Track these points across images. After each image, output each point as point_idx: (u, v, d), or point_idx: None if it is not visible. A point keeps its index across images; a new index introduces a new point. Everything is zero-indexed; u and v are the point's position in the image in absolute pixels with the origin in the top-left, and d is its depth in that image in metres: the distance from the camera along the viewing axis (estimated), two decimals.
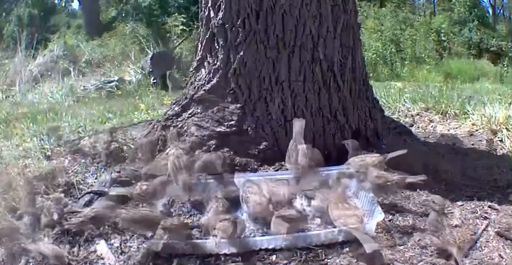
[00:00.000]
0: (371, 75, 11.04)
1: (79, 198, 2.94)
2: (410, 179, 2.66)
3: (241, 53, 3.18)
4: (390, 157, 2.79)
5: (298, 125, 2.92)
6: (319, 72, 3.23)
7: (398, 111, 4.66)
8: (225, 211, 2.47)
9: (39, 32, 14.44)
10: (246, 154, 3.13)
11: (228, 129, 3.21)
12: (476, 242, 2.42)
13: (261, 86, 3.20)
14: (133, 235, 2.52)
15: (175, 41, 11.13)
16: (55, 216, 2.49)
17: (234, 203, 2.64)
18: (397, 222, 2.61)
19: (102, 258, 2.37)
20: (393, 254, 2.34)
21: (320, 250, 2.33)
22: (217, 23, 3.23)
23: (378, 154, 2.81)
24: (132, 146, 3.62)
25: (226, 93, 3.26)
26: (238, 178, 2.78)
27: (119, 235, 2.53)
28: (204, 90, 3.34)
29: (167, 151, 3.31)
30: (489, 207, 2.75)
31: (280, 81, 3.19)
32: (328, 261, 2.28)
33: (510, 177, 3.07)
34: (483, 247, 2.38)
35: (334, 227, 2.42)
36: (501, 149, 3.63)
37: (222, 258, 2.31)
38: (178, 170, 2.73)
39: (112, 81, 8.67)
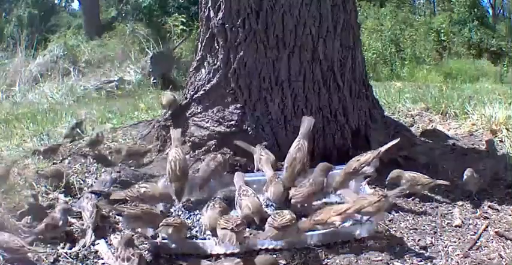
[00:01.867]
0: (371, 75, 11.03)
1: (79, 198, 2.94)
2: (384, 147, 2.74)
3: (241, 53, 3.17)
4: (384, 150, 2.75)
5: (306, 123, 2.86)
6: (319, 72, 3.23)
7: (398, 111, 4.66)
8: (223, 211, 2.47)
9: (39, 32, 14.44)
10: (246, 154, 3.12)
11: (228, 129, 3.21)
12: (476, 242, 2.42)
13: (261, 86, 3.20)
14: (133, 235, 2.52)
15: (175, 41, 11.12)
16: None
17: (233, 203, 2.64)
18: (397, 222, 2.62)
19: (102, 258, 2.37)
20: (393, 254, 2.34)
21: (320, 250, 2.34)
22: (217, 23, 3.23)
23: (371, 151, 2.79)
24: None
25: (226, 93, 3.26)
26: (237, 180, 2.78)
27: (118, 235, 2.53)
28: (204, 90, 3.34)
29: (167, 151, 3.31)
30: (489, 207, 2.75)
31: (280, 81, 3.19)
32: (328, 261, 2.28)
33: (510, 177, 3.07)
34: (483, 247, 2.38)
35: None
36: (501, 149, 3.63)
37: (222, 258, 2.31)
38: (175, 173, 2.72)
39: (112, 81, 8.66)
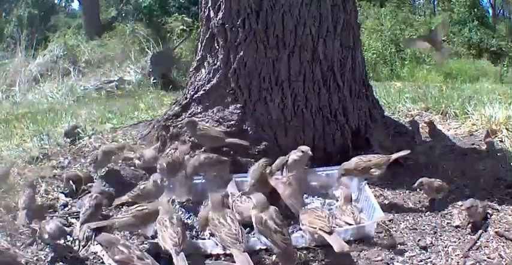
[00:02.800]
0: (371, 75, 11.03)
1: (79, 198, 2.94)
2: (395, 155, 2.76)
3: (241, 53, 3.18)
4: (394, 158, 2.78)
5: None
6: (319, 72, 3.23)
7: (398, 111, 4.66)
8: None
9: (39, 32, 14.44)
10: (246, 154, 3.13)
11: (228, 129, 3.21)
12: (476, 242, 2.42)
13: (261, 86, 3.20)
14: (133, 235, 2.52)
15: (175, 41, 11.12)
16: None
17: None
18: (397, 222, 2.61)
19: (102, 258, 2.37)
20: (393, 254, 2.34)
21: (320, 250, 2.34)
22: (217, 23, 3.23)
23: (383, 155, 2.79)
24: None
25: (226, 93, 3.26)
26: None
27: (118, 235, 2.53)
28: (204, 90, 3.34)
29: (167, 151, 3.31)
30: (489, 207, 2.75)
31: (280, 81, 3.19)
32: (328, 261, 2.28)
33: (510, 177, 3.07)
34: (483, 247, 2.38)
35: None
36: (501, 149, 3.63)
37: (222, 258, 2.31)
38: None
39: (112, 81, 8.66)
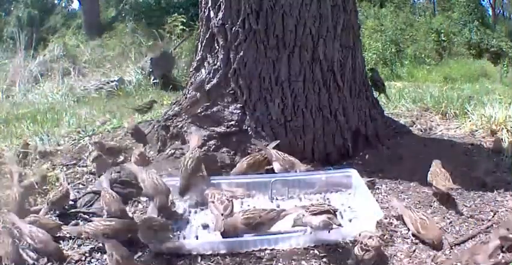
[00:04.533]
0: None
1: (79, 198, 2.94)
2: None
3: (241, 53, 3.18)
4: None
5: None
6: (319, 72, 3.23)
7: (398, 111, 4.66)
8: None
9: (38, 32, 14.45)
10: (246, 154, 3.13)
11: (228, 129, 3.21)
12: (476, 243, 2.42)
13: (261, 86, 3.20)
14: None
15: (175, 41, 11.12)
16: None
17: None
18: (397, 222, 2.62)
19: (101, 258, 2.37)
20: (393, 251, 2.34)
21: (319, 250, 2.34)
22: (217, 23, 3.23)
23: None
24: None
25: (226, 93, 3.26)
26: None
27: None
28: (204, 90, 3.34)
29: (167, 151, 3.32)
30: (489, 206, 2.75)
31: (280, 81, 3.19)
32: (327, 260, 2.29)
33: (510, 177, 3.07)
34: None
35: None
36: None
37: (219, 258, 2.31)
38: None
39: (112, 81, 8.65)
